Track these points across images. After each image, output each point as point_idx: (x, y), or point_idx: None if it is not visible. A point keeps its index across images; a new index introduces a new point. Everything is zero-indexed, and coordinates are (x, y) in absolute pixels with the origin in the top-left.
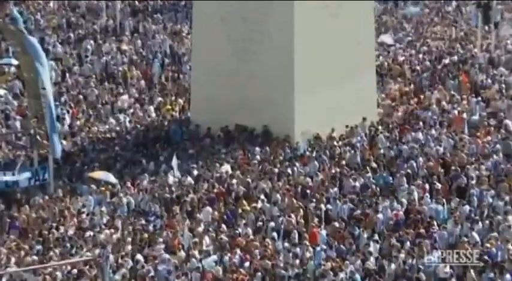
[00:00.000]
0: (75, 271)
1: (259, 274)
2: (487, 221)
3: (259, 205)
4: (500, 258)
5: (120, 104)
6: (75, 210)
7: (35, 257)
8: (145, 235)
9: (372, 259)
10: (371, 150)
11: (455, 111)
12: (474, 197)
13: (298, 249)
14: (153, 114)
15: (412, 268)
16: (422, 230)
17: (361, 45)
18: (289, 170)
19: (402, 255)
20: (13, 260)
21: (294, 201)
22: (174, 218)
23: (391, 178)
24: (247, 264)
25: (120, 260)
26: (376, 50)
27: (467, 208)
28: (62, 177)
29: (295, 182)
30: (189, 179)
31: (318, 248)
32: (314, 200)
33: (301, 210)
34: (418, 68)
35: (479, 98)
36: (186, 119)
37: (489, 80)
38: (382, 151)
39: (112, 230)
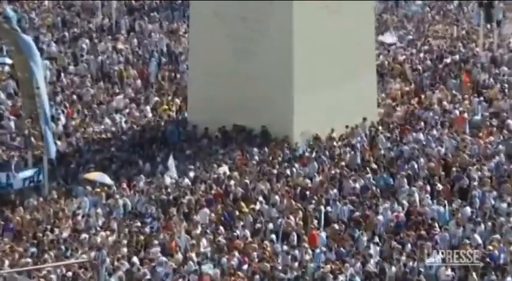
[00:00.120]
0: (70, 273)
1: (258, 276)
2: (489, 223)
3: (258, 206)
4: (502, 261)
5: (116, 104)
6: (70, 212)
7: (29, 260)
8: (142, 237)
9: (372, 261)
10: (371, 151)
11: (457, 111)
12: (476, 198)
13: (297, 251)
14: (150, 115)
15: (413, 271)
16: (423, 232)
17: (361, 44)
18: (288, 171)
19: (403, 257)
20: (7, 263)
21: (293, 203)
22: (171, 220)
23: (391, 179)
24: (245, 267)
25: (116, 263)
26: (376, 49)
27: (468, 209)
28: (56, 178)
29: (294, 184)
30: (186, 180)
31: (318, 251)
32: (313, 201)
33: (300, 212)
34: (419, 67)
35: (482, 98)
36: (183, 120)
37: (491, 80)
38: (382, 152)
39: (108, 233)
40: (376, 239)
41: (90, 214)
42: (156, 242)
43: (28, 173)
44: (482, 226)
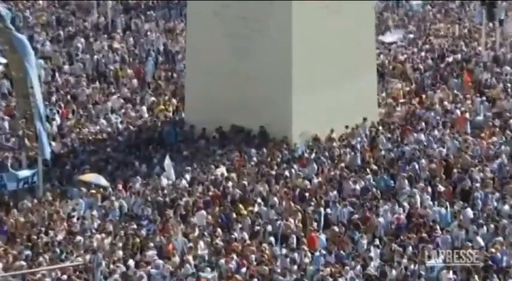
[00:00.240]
0: (65, 277)
1: (256, 280)
2: (492, 225)
3: (256, 208)
4: (505, 263)
5: (112, 104)
6: (65, 214)
7: (24, 263)
8: (138, 240)
9: (372, 264)
10: (371, 151)
11: (458, 112)
12: (478, 200)
13: (296, 254)
14: (146, 115)
15: (414, 274)
16: (424, 235)
17: (361, 44)
18: (287, 173)
19: (404, 260)
20: (1, 266)
21: (292, 204)
22: (167, 222)
23: (392, 181)
24: (243, 270)
25: (111, 266)
26: (376, 49)
27: (470, 211)
28: (51, 180)
29: (293, 185)
30: (183, 182)
31: (317, 253)
32: (312, 203)
33: (300, 214)
34: (420, 66)
35: (484, 98)
36: (180, 120)
37: (494, 79)
38: (383, 153)
39: (103, 235)
40: (377, 241)
41: (85, 216)
42: (152, 244)
43: (26, 173)
44: (485, 228)
